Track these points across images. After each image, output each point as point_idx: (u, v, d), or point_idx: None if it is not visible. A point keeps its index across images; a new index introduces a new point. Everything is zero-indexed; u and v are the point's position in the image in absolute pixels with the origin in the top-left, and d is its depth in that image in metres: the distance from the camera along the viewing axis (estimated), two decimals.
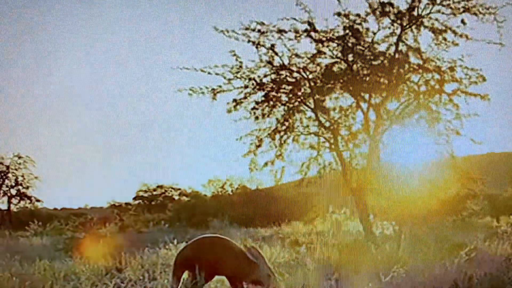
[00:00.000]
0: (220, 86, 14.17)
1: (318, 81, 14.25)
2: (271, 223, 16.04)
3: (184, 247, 9.63)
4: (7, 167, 18.84)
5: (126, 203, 19.39)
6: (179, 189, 19.55)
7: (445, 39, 13.74)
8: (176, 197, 19.52)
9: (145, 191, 19.61)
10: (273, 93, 14.31)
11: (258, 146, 14.28)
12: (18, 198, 19.06)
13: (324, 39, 14.04)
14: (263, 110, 14.29)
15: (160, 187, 19.59)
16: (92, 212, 19.02)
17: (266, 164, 14.28)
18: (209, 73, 14.03)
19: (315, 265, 11.21)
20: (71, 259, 12.58)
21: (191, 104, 14.29)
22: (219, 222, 17.30)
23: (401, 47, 13.85)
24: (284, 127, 14.32)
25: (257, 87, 14.27)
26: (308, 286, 9.50)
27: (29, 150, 18.36)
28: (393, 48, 13.85)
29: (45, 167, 18.00)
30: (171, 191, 19.62)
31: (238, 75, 14.24)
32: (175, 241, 12.38)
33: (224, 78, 14.19)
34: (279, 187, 15.08)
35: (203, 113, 14.41)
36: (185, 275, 9.47)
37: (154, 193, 19.57)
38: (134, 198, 19.53)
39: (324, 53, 14.12)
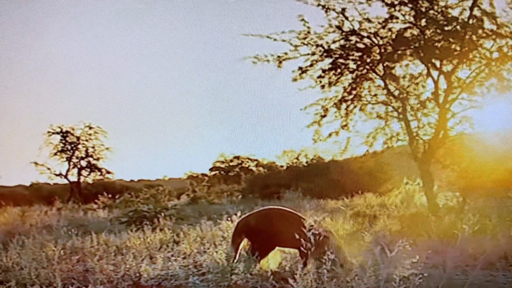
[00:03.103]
0: (286, 53, 15.74)
1: (389, 47, 15.62)
2: (344, 195, 17.51)
3: (248, 215, 11.44)
4: (78, 138, 20.97)
5: (202, 174, 21.49)
6: (256, 159, 21.54)
7: None
8: (253, 168, 21.51)
9: (222, 162, 21.76)
10: (341, 60, 15.78)
11: (323, 116, 15.91)
12: (88, 170, 21.26)
13: (396, 2, 15.34)
14: (329, 78, 15.80)
15: (237, 157, 21.70)
16: (169, 184, 21.23)
17: (330, 134, 15.97)
18: (275, 39, 15.59)
19: (371, 237, 12.51)
20: (133, 232, 14.14)
21: (256, 73, 15.75)
22: (291, 193, 19.15)
23: (475, 11, 14.97)
24: (351, 96, 15.88)
25: (325, 53, 15.74)
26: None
27: (107, 121, 20.42)
28: (466, 13, 15.02)
29: (122, 137, 19.96)
30: (247, 161, 21.66)
31: (305, 41, 15.73)
32: (239, 213, 13.47)
33: (291, 44, 15.71)
34: (354, 158, 16.55)
35: (267, 81, 15.76)
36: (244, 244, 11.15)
37: (231, 164, 21.69)
38: (211, 169, 21.72)
39: (397, 18, 15.46)
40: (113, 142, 21.41)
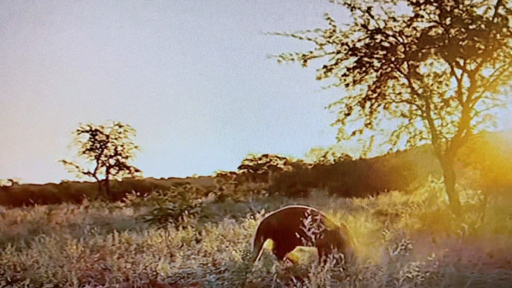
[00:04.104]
0: (311, 52, 16.30)
1: (414, 45, 16.10)
2: (370, 193, 18.34)
3: (270, 215, 11.79)
4: (107, 136, 21.81)
5: (231, 172, 22.25)
6: (284, 158, 22.16)
7: None
8: (282, 166, 22.11)
9: (251, 160, 22.46)
10: (366, 59, 16.34)
11: (347, 115, 16.47)
12: (117, 168, 22.07)
13: (421, 1, 15.86)
14: (354, 76, 16.39)
15: (266, 156, 22.34)
16: (198, 182, 21.94)
17: (354, 133, 16.52)
18: (300, 38, 16.17)
19: (391, 236, 12.24)
20: (157, 230, 14.70)
21: (280, 71, 16.32)
22: (318, 192, 19.74)
23: (500, 10, 15.41)
24: (375, 95, 16.45)
25: (350, 52, 16.30)
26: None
27: (135, 119, 21.16)
28: (491, 12, 15.45)
29: (152, 136, 20.59)
30: (276, 160, 22.34)
31: (331, 40, 16.28)
32: (262, 211, 14.33)
33: (316, 43, 16.28)
34: (381, 157, 17.05)
35: (292, 80, 16.35)
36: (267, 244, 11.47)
37: (259, 162, 22.36)
38: (239, 167, 22.51)
39: (422, 17, 15.98)
40: (144, 140, 22.18)
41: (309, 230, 10.52)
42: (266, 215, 12.13)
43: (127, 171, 22.57)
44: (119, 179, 22.68)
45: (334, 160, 20.80)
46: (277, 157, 22.58)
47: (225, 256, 12.24)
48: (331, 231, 10.98)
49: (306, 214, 10.74)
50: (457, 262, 11.12)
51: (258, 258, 11.29)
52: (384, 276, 9.40)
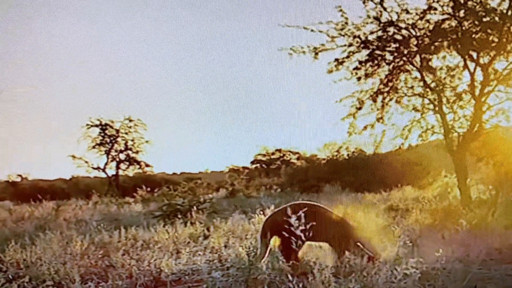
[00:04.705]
0: (322, 45, 16.35)
1: (426, 38, 16.15)
2: (382, 188, 18.28)
3: (275, 211, 11.51)
4: (117, 131, 21.94)
5: (243, 167, 22.41)
6: (297, 152, 22.34)
7: None
8: (295, 161, 22.20)
9: (264, 155, 22.59)
10: (378, 52, 16.40)
11: (358, 109, 16.55)
12: (127, 163, 22.16)
13: None
14: (366, 70, 16.46)
15: (279, 150, 22.50)
16: (210, 177, 22.05)
17: (365, 127, 16.59)
18: (312, 30, 16.21)
19: (400, 232, 12.68)
20: (166, 226, 14.70)
21: (292, 65, 16.39)
22: (330, 187, 19.75)
23: None
24: (387, 88, 16.52)
25: (362, 45, 16.37)
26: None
27: (148, 114, 21.29)
28: (505, 4, 15.45)
29: (165, 130, 20.90)
30: (289, 154, 22.47)
31: (343, 32, 16.34)
32: (272, 207, 14.44)
33: (328, 36, 16.32)
34: (395, 152, 16.99)
35: (305, 74, 16.40)
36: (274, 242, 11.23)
37: (272, 156, 22.46)
38: (252, 162, 22.63)
39: (435, 9, 16.00)
40: (156, 135, 22.40)
41: (297, 228, 10.58)
42: (273, 211, 12.06)
43: (138, 166, 22.67)
44: (130, 174, 22.82)
45: (348, 154, 20.88)
46: (291, 151, 22.73)
47: (232, 252, 12.14)
48: (338, 227, 10.99)
49: (289, 213, 10.75)
50: (465, 257, 11.14)
51: (266, 255, 11.08)
52: (388, 272, 9.36)
